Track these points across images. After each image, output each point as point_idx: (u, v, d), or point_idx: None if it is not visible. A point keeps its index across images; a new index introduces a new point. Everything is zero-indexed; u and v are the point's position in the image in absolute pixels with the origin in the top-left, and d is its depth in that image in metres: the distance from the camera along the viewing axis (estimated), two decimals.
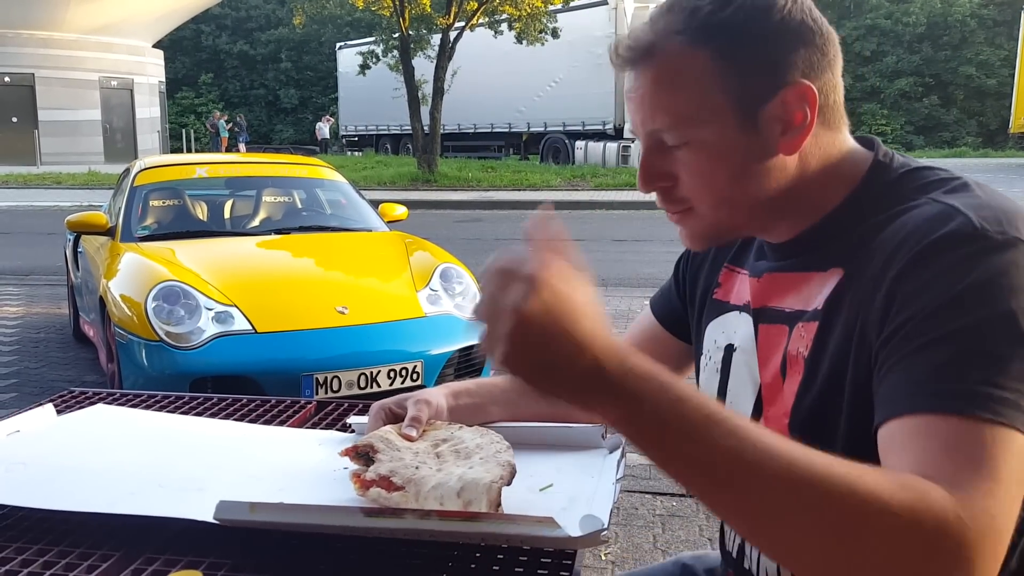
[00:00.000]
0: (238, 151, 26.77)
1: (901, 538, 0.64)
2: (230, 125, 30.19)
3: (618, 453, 1.17)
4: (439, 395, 1.19)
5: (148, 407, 1.54)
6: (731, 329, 1.04)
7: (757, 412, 0.97)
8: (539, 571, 0.93)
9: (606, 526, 0.82)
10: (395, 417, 1.17)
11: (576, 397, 0.69)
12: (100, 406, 1.49)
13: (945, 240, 0.78)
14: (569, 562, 0.96)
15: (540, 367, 0.68)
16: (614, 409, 0.68)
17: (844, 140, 0.94)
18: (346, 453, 1.07)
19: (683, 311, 1.19)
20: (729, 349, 1.04)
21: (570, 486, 1.07)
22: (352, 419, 1.38)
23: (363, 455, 1.06)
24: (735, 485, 0.66)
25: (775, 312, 0.97)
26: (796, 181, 0.92)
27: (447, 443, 1.08)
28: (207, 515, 0.96)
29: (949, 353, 0.74)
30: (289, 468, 1.19)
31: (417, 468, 1.00)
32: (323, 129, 32.74)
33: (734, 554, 1.08)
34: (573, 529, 0.84)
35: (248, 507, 0.94)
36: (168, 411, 1.52)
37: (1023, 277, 0.76)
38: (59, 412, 1.49)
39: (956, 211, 0.80)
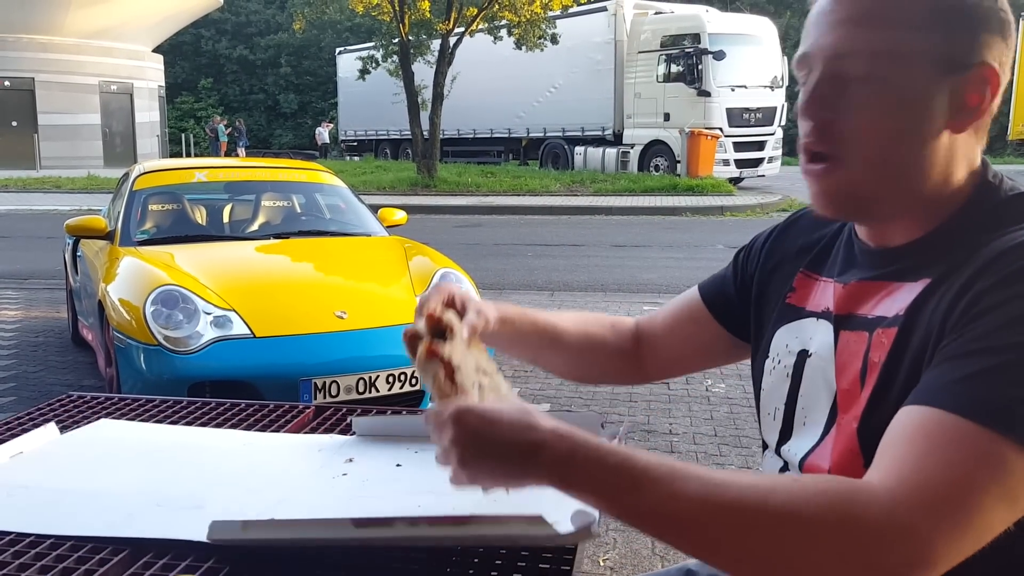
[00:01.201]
0: (236, 156, 26.78)
1: (816, 538, 0.71)
2: (229, 130, 30.19)
3: (616, 442, 1.16)
4: (494, 315, 1.14)
5: (147, 412, 1.54)
6: (806, 335, 1.02)
7: (832, 419, 0.96)
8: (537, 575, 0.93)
9: (596, 520, 0.82)
10: (452, 306, 1.08)
11: (523, 483, 0.81)
12: (103, 421, 1.48)
13: None
14: (568, 568, 0.96)
15: (487, 474, 0.81)
16: (549, 482, 0.79)
17: (977, 159, 0.93)
18: (431, 313, 1.00)
19: (737, 303, 1.18)
20: (803, 355, 1.02)
21: None
22: (354, 419, 1.38)
23: (440, 330, 0.99)
24: (666, 533, 0.76)
25: (858, 319, 0.95)
26: (936, 174, 0.90)
27: (488, 378, 1.02)
28: (202, 535, 0.97)
29: (994, 363, 0.75)
30: (288, 479, 1.19)
31: (472, 385, 0.96)
32: (323, 134, 32.76)
33: None
34: (564, 525, 0.84)
35: (240, 526, 0.94)
36: (166, 416, 1.52)
37: None
38: (57, 417, 1.49)
39: None
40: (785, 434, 1.04)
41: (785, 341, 1.06)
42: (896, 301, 0.91)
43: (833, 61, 0.90)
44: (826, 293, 1.02)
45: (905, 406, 0.79)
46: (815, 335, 1.01)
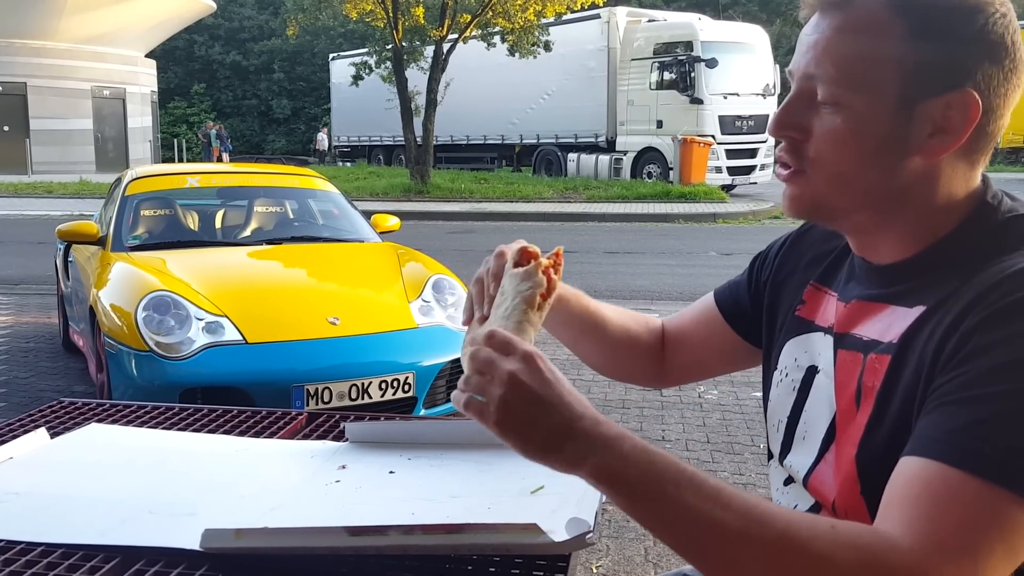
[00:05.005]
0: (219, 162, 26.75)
1: None
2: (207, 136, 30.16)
3: None
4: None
5: (138, 418, 1.54)
6: (815, 350, 1.02)
7: (830, 437, 0.96)
8: None
9: (591, 528, 0.82)
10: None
11: (550, 454, 0.76)
12: (94, 425, 1.48)
13: None
14: None
15: (524, 426, 0.76)
16: (586, 470, 0.76)
17: (974, 179, 0.91)
18: (529, 250, 0.99)
19: (750, 310, 1.18)
20: (812, 371, 1.02)
21: (561, 486, 1.08)
22: (347, 425, 1.38)
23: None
24: (694, 544, 0.75)
25: (854, 339, 0.95)
26: (915, 195, 0.89)
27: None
28: (194, 542, 0.96)
29: (990, 412, 0.75)
30: (281, 486, 1.18)
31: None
32: (323, 140, 32.77)
33: None
34: (559, 533, 0.84)
35: (233, 534, 0.94)
36: (158, 422, 1.51)
37: None
38: (49, 424, 1.49)
39: None
40: (786, 446, 1.04)
41: (794, 355, 1.06)
42: (890, 326, 0.90)
43: (804, 82, 0.91)
44: (831, 308, 1.02)
45: (906, 455, 0.79)
46: (822, 351, 1.00)
